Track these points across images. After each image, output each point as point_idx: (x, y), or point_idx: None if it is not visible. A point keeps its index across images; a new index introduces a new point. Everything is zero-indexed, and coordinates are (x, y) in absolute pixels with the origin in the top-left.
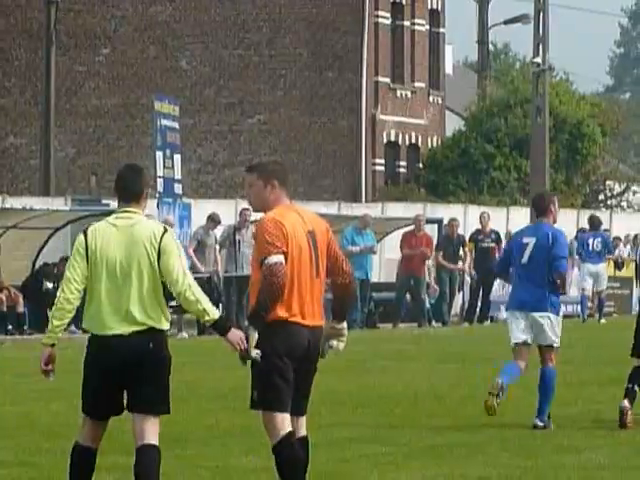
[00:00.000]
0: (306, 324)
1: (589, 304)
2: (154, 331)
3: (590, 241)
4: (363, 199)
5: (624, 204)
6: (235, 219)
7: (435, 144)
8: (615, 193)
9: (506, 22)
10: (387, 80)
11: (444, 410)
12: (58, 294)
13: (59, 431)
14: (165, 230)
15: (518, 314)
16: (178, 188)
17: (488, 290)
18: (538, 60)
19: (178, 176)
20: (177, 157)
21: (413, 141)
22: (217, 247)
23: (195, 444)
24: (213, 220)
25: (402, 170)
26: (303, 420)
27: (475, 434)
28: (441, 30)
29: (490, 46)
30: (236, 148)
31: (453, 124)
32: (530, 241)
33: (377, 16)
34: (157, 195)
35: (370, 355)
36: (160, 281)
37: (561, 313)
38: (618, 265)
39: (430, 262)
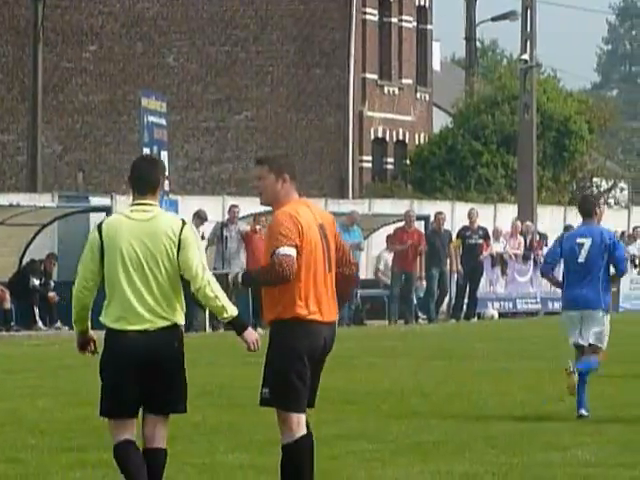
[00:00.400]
0: (324, 321)
1: None
2: (175, 327)
3: None
4: (350, 196)
5: (611, 201)
6: (222, 216)
7: (422, 141)
8: (602, 190)
9: (494, 19)
10: (374, 77)
11: (431, 407)
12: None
13: (45, 428)
14: (184, 223)
15: (573, 314)
16: (165, 185)
17: (475, 287)
18: (525, 57)
19: (165, 173)
20: (164, 154)
21: (400, 138)
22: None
23: (182, 441)
24: (199, 217)
25: (389, 167)
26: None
27: (461, 431)
28: (428, 27)
29: (477, 43)
30: (223, 145)
31: (440, 121)
32: (586, 242)
33: (364, 12)
34: None
35: (357, 352)
36: (180, 275)
37: (609, 315)
38: None
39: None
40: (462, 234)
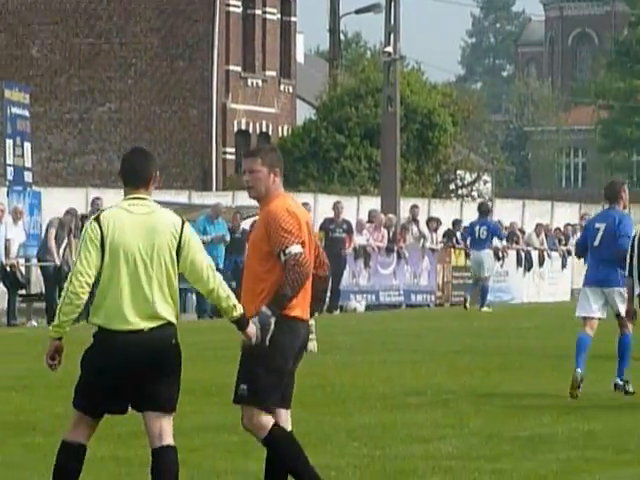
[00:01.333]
0: (305, 319)
1: (438, 293)
2: (171, 325)
3: (476, 229)
4: (214, 188)
5: (475, 194)
6: (86, 208)
7: (286, 133)
8: (466, 183)
9: (357, 11)
10: (238, 69)
11: (293, 399)
12: (66, 286)
13: None
14: (183, 221)
15: (592, 290)
16: (28, 176)
17: (337, 280)
18: (389, 49)
19: (28, 164)
20: (27, 145)
21: (264, 130)
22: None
23: (42, 432)
24: (70, 214)
25: None
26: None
27: (323, 423)
28: (292, 19)
29: (341, 35)
30: (87, 136)
31: (304, 113)
32: (601, 226)
33: (228, 4)
34: (7, 183)
35: (222, 344)
36: (176, 273)
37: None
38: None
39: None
40: (326, 227)
